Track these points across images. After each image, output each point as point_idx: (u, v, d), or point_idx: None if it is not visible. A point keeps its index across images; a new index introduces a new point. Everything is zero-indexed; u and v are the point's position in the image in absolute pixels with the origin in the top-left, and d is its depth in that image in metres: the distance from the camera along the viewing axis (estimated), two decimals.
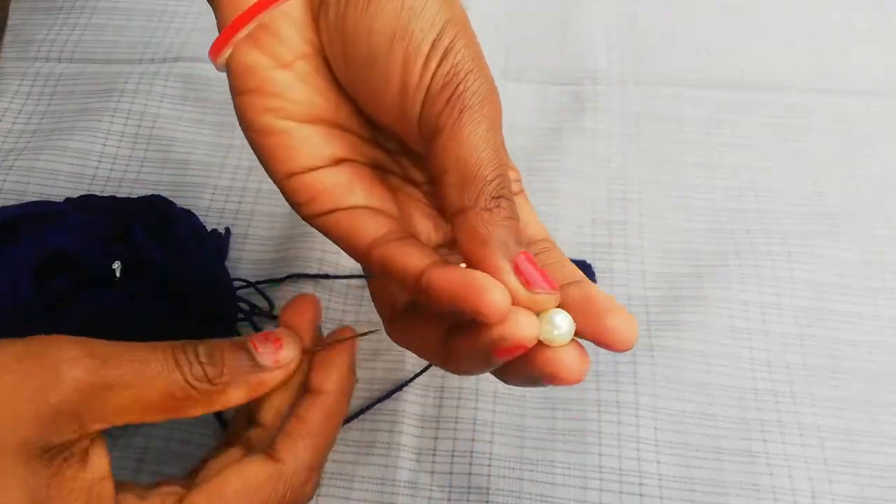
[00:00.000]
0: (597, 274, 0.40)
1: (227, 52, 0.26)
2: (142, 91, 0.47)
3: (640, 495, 0.34)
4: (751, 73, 0.49)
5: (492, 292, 0.20)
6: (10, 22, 0.52)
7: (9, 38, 0.51)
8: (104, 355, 0.24)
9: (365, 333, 0.29)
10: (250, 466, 0.27)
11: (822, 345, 0.39)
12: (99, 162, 0.44)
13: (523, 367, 0.22)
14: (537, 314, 0.21)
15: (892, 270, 0.41)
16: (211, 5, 0.27)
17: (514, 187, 0.26)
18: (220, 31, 0.26)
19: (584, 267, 0.40)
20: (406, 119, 0.24)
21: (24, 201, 0.41)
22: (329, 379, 0.28)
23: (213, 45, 0.26)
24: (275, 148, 0.26)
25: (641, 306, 0.40)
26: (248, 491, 0.26)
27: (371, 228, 0.25)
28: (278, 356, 0.27)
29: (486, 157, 0.23)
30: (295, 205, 0.26)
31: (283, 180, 0.26)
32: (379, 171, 0.28)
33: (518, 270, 0.21)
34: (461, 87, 0.23)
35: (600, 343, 0.22)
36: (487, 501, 0.34)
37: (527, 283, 0.21)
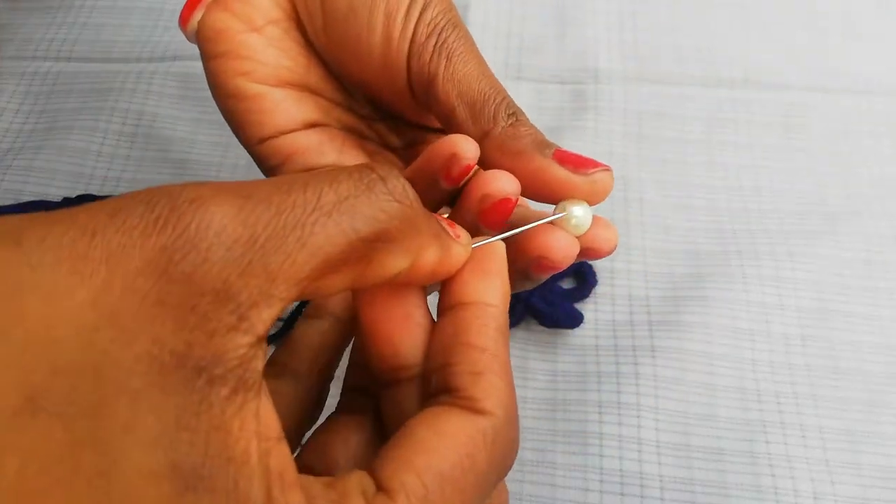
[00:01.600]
0: (598, 274, 0.40)
1: (197, 16, 0.26)
2: (140, 90, 0.47)
3: (642, 497, 0.34)
4: (752, 72, 0.49)
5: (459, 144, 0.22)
6: (2, 21, 0.52)
7: (5, 36, 0.51)
8: (250, 193, 0.16)
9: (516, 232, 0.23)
10: (455, 427, 0.18)
11: (824, 345, 0.38)
12: (97, 161, 0.44)
13: (520, 250, 0.22)
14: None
15: (895, 270, 0.41)
16: None
17: None
18: None
19: (584, 267, 0.40)
20: (390, 71, 0.25)
21: (21, 201, 0.40)
22: (492, 287, 0.20)
23: (183, 9, 0.26)
24: (247, 112, 0.26)
25: (643, 306, 0.39)
26: (465, 460, 0.18)
27: None
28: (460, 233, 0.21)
29: (487, 85, 0.24)
30: (267, 169, 0.26)
31: (255, 145, 0.26)
32: (354, 135, 0.28)
33: (564, 161, 0.23)
34: (444, 35, 0.24)
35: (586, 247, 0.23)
36: None
37: (578, 166, 0.23)
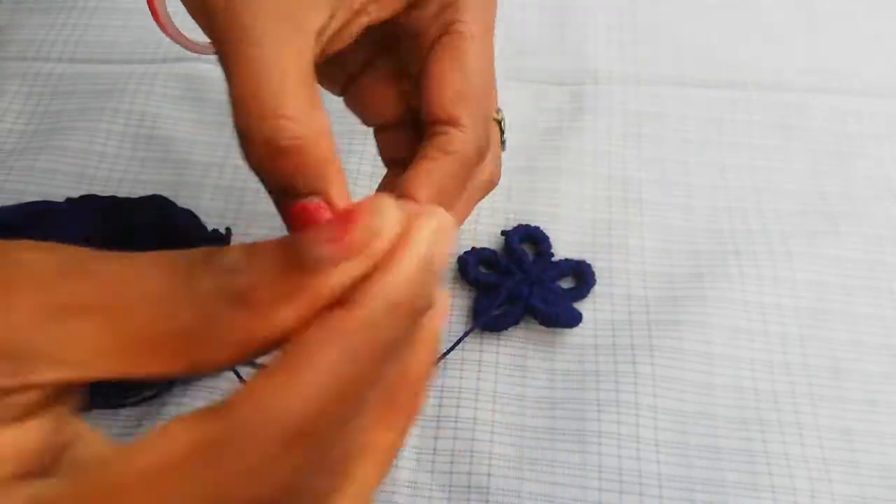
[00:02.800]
0: (597, 274, 0.40)
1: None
2: (142, 91, 0.47)
3: (640, 494, 0.34)
4: (751, 73, 0.49)
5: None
6: (2, 22, 0.52)
7: (8, 38, 0.51)
8: (71, 265, 0.15)
9: None
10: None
11: (822, 345, 0.39)
12: (99, 162, 0.44)
13: None
14: None
15: (893, 270, 0.41)
16: None
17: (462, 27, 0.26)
18: None
19: (583, 267, 0.40)
20: None
21: (24, 201, 0.41)
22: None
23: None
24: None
25: (642, 306, 0.40)
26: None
27: None
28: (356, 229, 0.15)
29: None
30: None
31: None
32: None
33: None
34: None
35: None
36: (487, 501, 0.34)
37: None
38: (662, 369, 0.37)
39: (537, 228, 0.41)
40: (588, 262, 0.41)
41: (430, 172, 0.24)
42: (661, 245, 0.42)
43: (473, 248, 0.41)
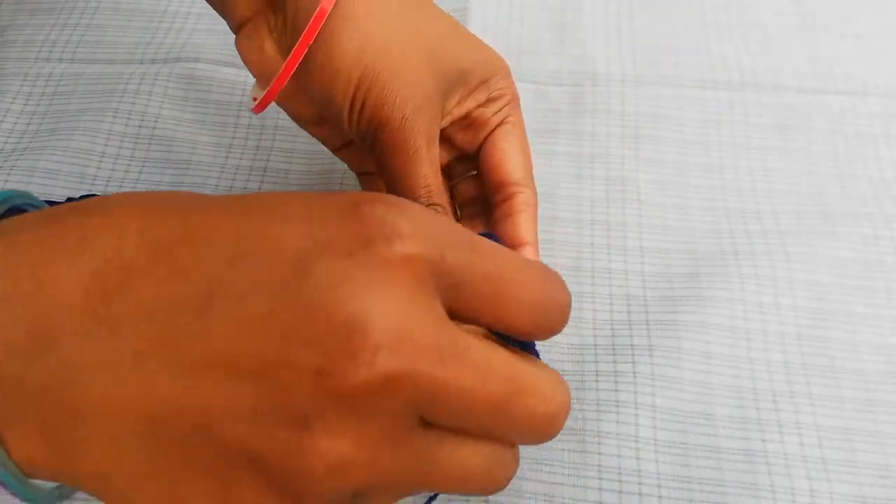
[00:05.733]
0: (596, 274, 0.40)
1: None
2: (143, 92, 0.47)
3: (640, 494, 0.34)
4: (749, 74, 0.49)
5: None
6: (3, 22, 0.52)
7: (9, 38, 0.51)
8: None
9: None
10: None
11: (820, 344, 0.39)
12: (100, 162, 0.45)
13: None
14: None
15: (892, 270, 0.41)
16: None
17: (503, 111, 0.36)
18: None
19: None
20: None
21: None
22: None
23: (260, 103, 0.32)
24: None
25: (640, 306, 0.40)
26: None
27: None
28: None
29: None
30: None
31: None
32: None
33: None
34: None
35: None
36: (487, 501, 0.34)
37: None
38: (661, 369, 0.37)
39: None
40: (494, 235, 0.41)
41: (528, 221, 0.35)
42: (659, 245, 0.42)
43: None
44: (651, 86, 0.49)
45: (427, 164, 0.32)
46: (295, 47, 0.30)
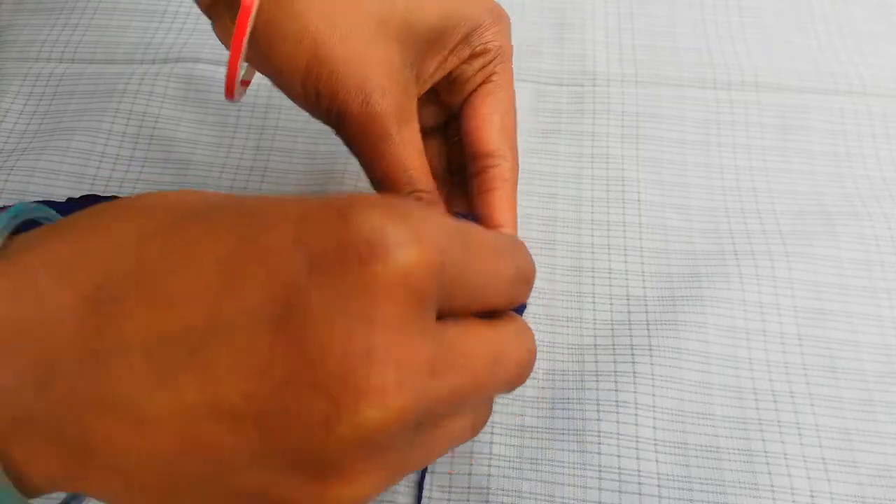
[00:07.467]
0: (596, 274, 0.41)
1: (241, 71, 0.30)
2: (143, 92, 0.47)
3: (640, 494, 0.34)
4: (749, 74, 0.49)
5: None
6: (3, 22, 0.52)
7: (9, 38, 0.51)
8: None
9: None
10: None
11: (820, 344, 0.39)
12: (100, 162, 0.45)
13: None
14: None
15: (892, 270, 0.41)
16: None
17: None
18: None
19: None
20: None
21: (25, 201, 0.41)
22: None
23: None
24: None
25: (640, 306, 0.40)
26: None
27: None
28: None
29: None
30: None
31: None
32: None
33: None
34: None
35: None
36: (487, 501, 0.34)
37: None
38: (661, 369, 0.37)
39: None
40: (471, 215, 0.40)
41: (504, 199, 0.31)
42: (659, 245, 0.42)
43: None
44: (651, 86, 0.49)
45: (402, 149, 0.29)
46: (232, 39, 0.28)
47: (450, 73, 0.32)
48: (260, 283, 0.17)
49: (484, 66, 0.32)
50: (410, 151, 0.29)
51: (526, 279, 0.22)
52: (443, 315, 0.19)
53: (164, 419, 0.17)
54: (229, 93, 0.31)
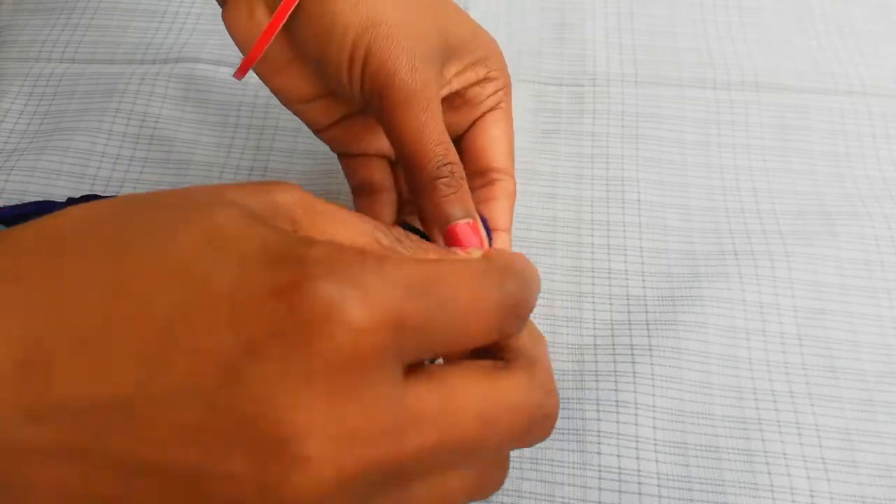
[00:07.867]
0: (596, 274, 0.41)
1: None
2: (143, 92, 0.47)
3: (640, 494, 0.34)
4: (749, 74, 0.50)
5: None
6: (3, 22, 0.52)
7: (9, 38, 0.51)
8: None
9: None
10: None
11: (820, 344, 0.39)
12: (101, 162, 0.45)
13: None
14: None
15: (892, 270, 0.41)
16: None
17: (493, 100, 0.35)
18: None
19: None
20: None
21: (25, 201, 0.41)
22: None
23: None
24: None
25: (640, 306, 0.40)
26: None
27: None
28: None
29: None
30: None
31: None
32: None
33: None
34: None
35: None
36: (488, 501, 0.34)
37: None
38: (661, 369, 0.37)
39: None
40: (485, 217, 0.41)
41: (505, 209, 0.34)
42: (659, 245, 0.42)
43: None
44: (651, 86, 0.49)
45: (440, 122, 0.29)
46: (275, 13, 0.28)
47: (463, 93, 0.34)
48: (193, 364, 0.16)
49: (495, 93, 0.35)
50: (444, 126, 0.30)
51: (514, 306, 0.20)
52: (419, 358, 0.18)
53: (97, 475, 0.17)
54: (242, 72, 0.31)
